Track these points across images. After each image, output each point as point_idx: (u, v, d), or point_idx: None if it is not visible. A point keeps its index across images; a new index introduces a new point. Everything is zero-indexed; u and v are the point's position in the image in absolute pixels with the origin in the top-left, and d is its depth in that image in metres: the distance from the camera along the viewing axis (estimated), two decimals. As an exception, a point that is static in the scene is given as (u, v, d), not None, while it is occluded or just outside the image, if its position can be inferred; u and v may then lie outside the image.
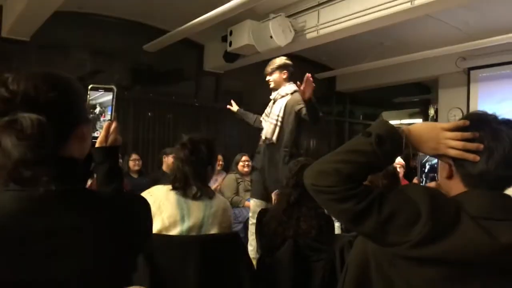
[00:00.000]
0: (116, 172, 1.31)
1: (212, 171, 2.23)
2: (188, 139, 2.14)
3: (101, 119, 1.34)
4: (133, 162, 5.50)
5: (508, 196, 1.11)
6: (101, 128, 1.32)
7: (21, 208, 0.86)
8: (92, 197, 0.98)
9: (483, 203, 1.08)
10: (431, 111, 8.19)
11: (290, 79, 3.82)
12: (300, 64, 8.18)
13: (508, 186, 1.12)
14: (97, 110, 1.34)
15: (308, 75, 3.39)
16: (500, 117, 1.13)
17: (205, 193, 2.10)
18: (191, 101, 7.45)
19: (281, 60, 3.89)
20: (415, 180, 7.09)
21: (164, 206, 2.02)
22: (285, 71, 3.81)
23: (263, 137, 3.79)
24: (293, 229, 2.21)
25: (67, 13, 5.83)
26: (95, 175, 1.29)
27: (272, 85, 3.86)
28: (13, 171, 0.83)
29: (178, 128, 6.98)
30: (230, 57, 6.53)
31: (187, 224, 2.02)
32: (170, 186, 2.10)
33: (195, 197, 2.07)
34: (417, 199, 1.03)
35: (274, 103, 3.85)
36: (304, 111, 3.55)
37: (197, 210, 2.06)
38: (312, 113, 3.52)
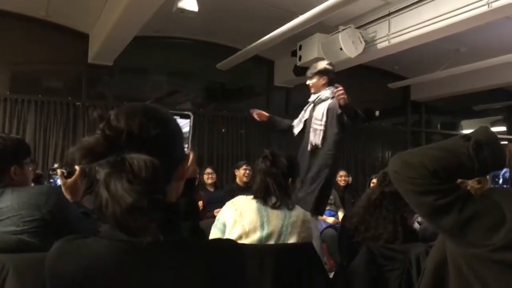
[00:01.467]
0: (193, 207, 1.26)
1: (293, 185, 2.32)
2: (270, 152, 2.27)
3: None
4: (207, 176, 5.68)
5: None
6: None
7: (116, 261, 0.78)
8: (196, 248, 0.87)
9: None
10: (516, 118, 7.73)
11: (330, 84, 3.80)
12: (372, 74, 8.12)
13: None
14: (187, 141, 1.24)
15: (339, 88, 3.44)
16: None
17: (285, 204, 2.20)
18: (263, 116, 7.57)
19: (321, 65, 3.88)
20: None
21: (245, 213, 2.14)
22: (324, 77, 3.80)
23: (311, 144, 3.77)
24: (373, 230, 2.23)
25: (145, 37, 6.22)
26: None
27: (312, 90, 3.87)
28: (123, 219, 0.74)
29: (250, 143, 7.15)
30: (300, 71, 6.60)
31: (266, 231, 2.12)
32: (251, 196, 2.23)
33: (274, 206, 2.17)
34: (503, 203, 1.03)
35: (313, 107, 3.85)
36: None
37: (276, 218, 2.16)
38: (351, 116, 3.61)
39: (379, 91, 8.37)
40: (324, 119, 3.70)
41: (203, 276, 0.82)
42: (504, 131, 9.20)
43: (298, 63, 6.30)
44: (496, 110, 9.27)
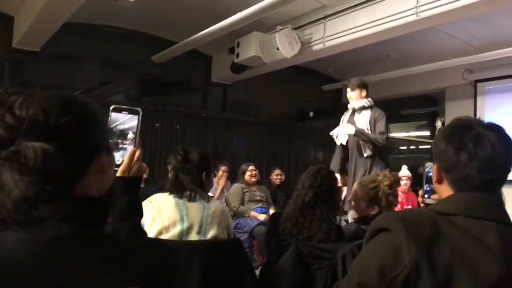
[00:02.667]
0: (135, 207, 1.21)
1: (208, 179, 2.34)
2: (182, 148, 2.27)
3: (125, 145, 1.20)
4: (142, 171, 5.53)
5: (494, 196, 1.12)
6: (123, 156, 1.18)
7: (27, 254, 0.71)
8: (115, 245, 0.80)
9: (465, 203, 1.10)
10: (439, 124, 8.17)
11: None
12: (307, 75, 8.26)
13: (496, 188, 1.13)
14: (129, 135, 1.20)
15: None
16: (486, 122, 1.15)
17: (201, 196, 2.22)
18: (199, 112, 7.51)
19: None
20: (420, 192, 7.08)
21: (163, 209, 2.14)
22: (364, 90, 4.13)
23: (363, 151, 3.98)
24: (307, 231, 2.24)
25: (77, 24, 5.92)
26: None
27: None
28: (13, 212, 0.69)
29: (185, 139, 7.04)
30: (238, 68, 6.59)
31: (186, 224, 2.12)
32: (167, 193, 2.22)
33: (191, 199, 2.19)
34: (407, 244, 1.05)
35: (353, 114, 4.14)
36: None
37: (195, 210, 2.17)
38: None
39: (313, 92, 8.54)
40: (369, 127, 4.04)
41: (123, 274, 0.75)
42: (428, 135, 9.71)
43: (236, 60, 6.27)
44: (421, 115, 9.76)
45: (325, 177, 2.38)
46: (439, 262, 1.01)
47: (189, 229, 2.12)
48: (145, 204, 2.13)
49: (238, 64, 6.43)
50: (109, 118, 1.17)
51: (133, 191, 1.20)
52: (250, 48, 5.94)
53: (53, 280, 0.70)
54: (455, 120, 1.20)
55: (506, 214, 1.12)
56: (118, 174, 1.16)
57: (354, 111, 4.12)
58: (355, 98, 4.10)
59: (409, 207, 5.29)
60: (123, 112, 1.20)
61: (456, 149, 1.12)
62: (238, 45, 6.16)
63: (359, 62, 7.16)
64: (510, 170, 1.14)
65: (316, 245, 2.14)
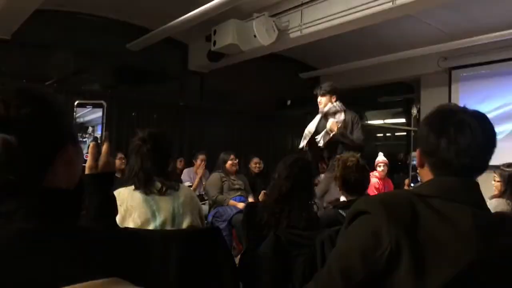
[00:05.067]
0: (109, 205, 1.17)
1: (174, 164, 2.24)
2: (148, 134, 2.13)
3: (90, 139, 1.18)
4: (119, 161, 5.45)
5: (471, 181, 1.14)
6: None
7: (5, 246, 0.69)
8: (85, 237, 0.78)
9: (442, 186, 1.12)
10: (414, 111, 8.25)
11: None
12: (284, 63, 8.25)
13: (475, 174, 1.15)
14: (89, 129, 1.18)
15: None
16: (470, 109, 1.16)
17: (170, 186, 2.11)
18: (176, 101, 7.43)
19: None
20: (406, 181, 7.15)
21: (132, 208, 2.02)
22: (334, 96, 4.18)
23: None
24: (286, 220, 2.23)
25: (49, 11, 5.77)
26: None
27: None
28: None
29: (162, 128, 6.96)
30: (214, 56, 6.53)
31: (159, 220, 2.02)
32: (132, 187, 2.08)
33: (160, 192, 2.07)
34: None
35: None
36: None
37: (165, 203, 2.07)
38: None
39: (291, 80, 8.54)
40: None
41: (92, 266, 0.72)
42: (403, 122, 9.82)
43: (213, 48, 6.22)
44: (398, 102, 9.86)
45: (301, 168, 2.36)
46: (417, 242, 1.02)
47: (162, 225, 2.02)
48: None
49: (215, 52, 6.38)
50: (74, 114, 1.17)
51: (104, 188, 1.15)
52: (227, 36, 5.89)
53: (17, 275, 0.67)
54: (439, 106, 1.22)
55: (481, 198, 1.14)
56: (86, 171, 1.12)
57: (326, 115, 4.17)
58: (324, 103, 4.17)
59: (386, 193, 5.35)
60: (87, 106, 1.20)
61: (437, 134, 1.13)
62: (214, 32, 6.10)
63: (336, 49, 7.19)
64: (489, 158, 1.15)
65: (294, 231, 2.14)
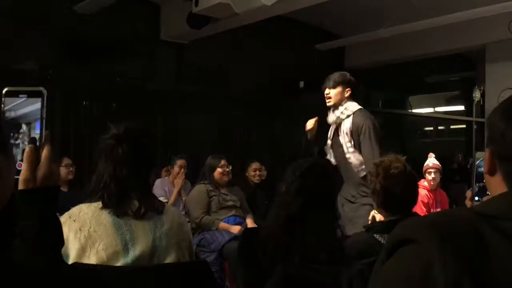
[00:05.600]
0: (52, 233, 1.15)
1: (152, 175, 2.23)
2: (126, 130, 2.09)
3: (26, 140, 1.16)
4: (66, 169, 5.45)
5: None
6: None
7: None
8: (17, 278, 0.80)
9: None
10: (476, 94, 8.27)
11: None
12: (295, 30, 8.24)
13: None
14: (23, 128, 1.17)
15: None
16: None
17: (151, 207, 2.07)
18: (142, 84, 7.43)
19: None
20: (468, 193, 7.22)
21: (96, 235, 1.97)
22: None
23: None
24: (299, 252, 2.22)
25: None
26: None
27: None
28: None
29: (123, 120, 6.96)
30: (197, 21, 6.53)
31: (132, 254, 1.98)
32: (99, 204, 2.04)
33: (138, 215, 2.03)
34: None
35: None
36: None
37: (143, 232, 2.02)
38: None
39: (304, 53, 8.54)
40: None
41: None
42: (462, 110, 9.83)
43: (194, 10, 6.23)
44: (453, 83, 9.88)
45: (319, 177, 2.36)
46: (484, 283, 1.02)
47: (136, 261, 1.97)
48: (67, 223, 1.97)
49: (197, 16, 6.38)
50: (2, 106, 1.15)
51: (44, 209, 1.13)
52: (214, -7, 5.91)
53: None
54: None
55: None
56: (20, 185, 1.10)
57: (340, 122, 4.26)
58: (334, 98, 4.25)
59: (438, 210, 5.37)
60: (20, 96, 1.18)
61: None
62: (197, -12, 6.12)
63: (366, 11, 7.19)
64: None
65: (311, 266, 2.14)
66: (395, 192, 2.53)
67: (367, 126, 4.10)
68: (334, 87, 4.24)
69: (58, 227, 1.20)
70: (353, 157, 4.13)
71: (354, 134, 4.12)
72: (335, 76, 4.28)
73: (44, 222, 1.12)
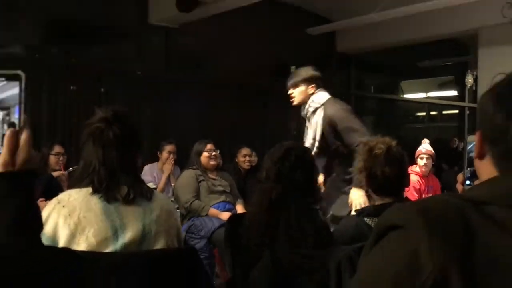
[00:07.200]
0: (30, 216, 1.17)
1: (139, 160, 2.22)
2: (114, 114, 2.09)
3: (4, 126, 1.18)
4: (56, 158, 5.39)
5: None
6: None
7: None
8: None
9: (509, 188, 1.10)
10: (469, 79, 8.28)
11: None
12: (285, 14, 8.23)
13: None
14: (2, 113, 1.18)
15: None
16: None
17: (140, 193, 2.10)
18: (131, 69, 7.40)
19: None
20: (459, 177, 7.26)
21: (86, 221, 1.98)
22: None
23: None
24: (284, 237, 2.22)
25: None
26: None
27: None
28: None
29: (114, 104, 6.94)
30: (186, 4, 6.50)
31: (121, 241, 2.00)
32: (88, 189, 2.05)
33: (127, 201, 2.05)
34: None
35: None
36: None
37: (133, 219, 2.05)
38: None
39: (294, 37, 8.52)
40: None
41: None
42: (455, 95, 9.86)
43: (184, -8, 6.20)
44: (446, 68, 9.90)
45: (296, 162, 2.35)
46: (471, 268, 1.02)
47: (125, 248, 1.99)
48: (56, 209, 2.00)
49: (187, -1, 6.35)
50: None
51: (22, 193, 1.15)
52: (204, -25, 5.88)
53: None
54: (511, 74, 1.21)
55: None
56: None
57: (309, 116, 4.26)
58: (297, 98, 4.27)
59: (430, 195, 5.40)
60: None
61: (508, 114, 1.12)
62: (186, -30, 6.08)
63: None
64: None
65: (299, 251, 2.15)
66: (376, 173, 2.54)
67: (340, 115, 4.05)
68: (295, 86, 4.26)
69: (36, 210, 1.21)
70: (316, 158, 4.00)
71: (330, 126, 4.07)
72: (296, 75, 4.34)
73: (23, 204, 1.13)
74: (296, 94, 4.25)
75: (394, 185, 2.59)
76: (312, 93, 4.22)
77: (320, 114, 4.13)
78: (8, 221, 1.12)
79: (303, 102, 4.25)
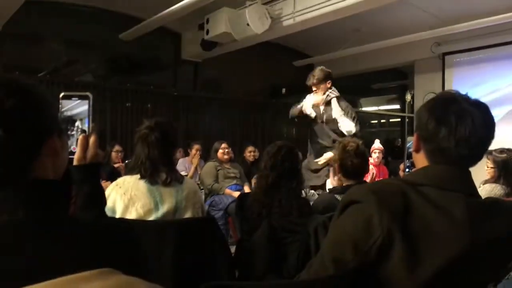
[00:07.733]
0: (98, 195, 1.18)
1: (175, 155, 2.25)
2: (156, 123, 2.11)
3: (78, 131, 1.17)
4: (116, 154, 5.40)
5: (465, 170, 1.14)
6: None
7: None
8: (75, 227, 0.79)
9: (437, 175, 1.11)
10: (408, 97, 8.26)
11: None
12: (278, 51, 8.21)
13: (471, 164, 1.14)
14: (77, 123, 1.17)
15: None
16: (472, 99, 1.14)
17: (175, 178, 2.11)
18: (170, 91, 7.40)
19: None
20: (401, 166, 7.20)
21: (136, 197, 2.02)
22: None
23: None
24: (276, 210, 2.22)
25: (39, 2, 5.70)
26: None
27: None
28: None
29: (155, 118, 6.93)
30: (208, 45, 6.49)
31: (161, 211, 2.02)
32: (138, 176, 2.08)
33: (165, 184, 2.07)
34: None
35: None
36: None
37: (169, 196, 2.06)
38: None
39: (285, 68, 8.51)
40: None
41: (81, 257, 0.73)
42: (398, 108, 9.83)
43: (206, 37, 6.17)
44: (391, 89, 9.86)
45: (285, 156, 2.34)
46: (409, 232, 1.02)
47: (164, 216, 2.02)
48: (114, 189, 2.04)
49: (208, 41, 6.33)
50: (60, 106, 1.15)
51: (92, 179, 1.15)
52: (220, 24, 5.85)
53: (5, 266, 0.67)
54: (442, 93, 1.21)
55: (473, 187, 1.14)
56: (75, 163, 1.12)
57: (328, 103, 4.13)
58: (321, 91, 4.12)
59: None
60: (73, 98, 1.18)
61: (438, 122, 1.12)
62: (207, 21, 6.05)
63: (330, 37, 7.16)
64: (487, 149, 1.15)
65: (287, 218, 2.14)
66: (347, 163, 2.52)
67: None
68: (320, 82, 4.10)
69: (102, 191, 1.21)
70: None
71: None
72: (318, 74, 4.13)
73: (92, 188, 1.13)
74: (320, 90, 4.12)
75: (359, 172, 2.58)
76: (330, 87, 4.13)
77: (335, 101, 4.06)
78: (82, 199, 1.12)
79: (324, 93, 4.11)
